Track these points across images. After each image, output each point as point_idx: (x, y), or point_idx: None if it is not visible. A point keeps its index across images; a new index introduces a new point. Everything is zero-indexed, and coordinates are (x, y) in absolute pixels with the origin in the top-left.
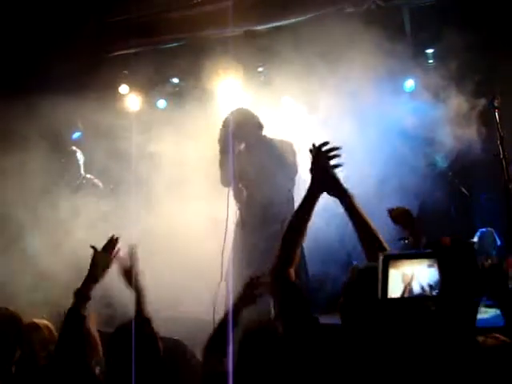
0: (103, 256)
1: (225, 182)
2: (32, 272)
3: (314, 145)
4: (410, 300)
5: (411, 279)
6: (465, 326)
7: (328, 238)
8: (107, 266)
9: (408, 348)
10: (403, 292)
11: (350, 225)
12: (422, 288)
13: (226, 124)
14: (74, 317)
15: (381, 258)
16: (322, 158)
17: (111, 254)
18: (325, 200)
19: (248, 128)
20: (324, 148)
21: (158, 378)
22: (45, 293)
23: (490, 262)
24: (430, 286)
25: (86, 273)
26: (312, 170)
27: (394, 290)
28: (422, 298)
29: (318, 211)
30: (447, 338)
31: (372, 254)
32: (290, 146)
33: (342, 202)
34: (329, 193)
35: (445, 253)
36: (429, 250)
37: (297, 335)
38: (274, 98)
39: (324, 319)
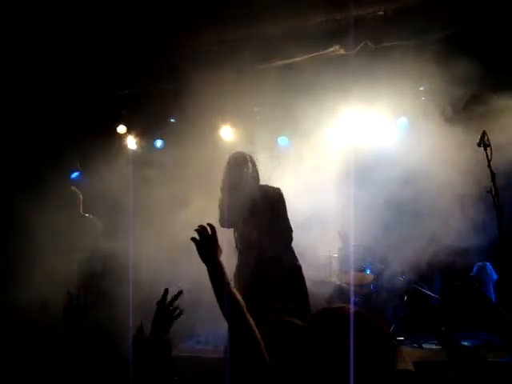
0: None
1: (222, 222)
2: None
3: None
4: None
5: None
6: None
7: None
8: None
9: None
10: None
11: None
12: None
13: (226, 165)
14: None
15: None
16: None
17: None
18: None
19: (241, 174)
20: None
21: None
22: None
23: None
24: None
25: None
26: None
27: None
28: None
29: None
30: None
31: None
32: (278, 190)
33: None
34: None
35: None
36: None
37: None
38: (270, 137)
39: None
